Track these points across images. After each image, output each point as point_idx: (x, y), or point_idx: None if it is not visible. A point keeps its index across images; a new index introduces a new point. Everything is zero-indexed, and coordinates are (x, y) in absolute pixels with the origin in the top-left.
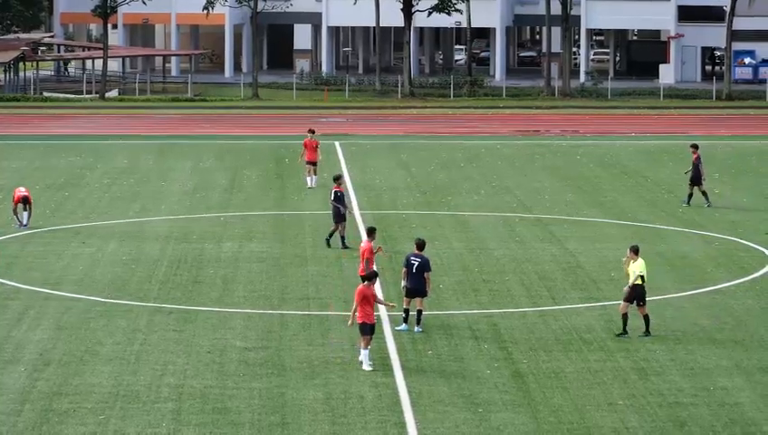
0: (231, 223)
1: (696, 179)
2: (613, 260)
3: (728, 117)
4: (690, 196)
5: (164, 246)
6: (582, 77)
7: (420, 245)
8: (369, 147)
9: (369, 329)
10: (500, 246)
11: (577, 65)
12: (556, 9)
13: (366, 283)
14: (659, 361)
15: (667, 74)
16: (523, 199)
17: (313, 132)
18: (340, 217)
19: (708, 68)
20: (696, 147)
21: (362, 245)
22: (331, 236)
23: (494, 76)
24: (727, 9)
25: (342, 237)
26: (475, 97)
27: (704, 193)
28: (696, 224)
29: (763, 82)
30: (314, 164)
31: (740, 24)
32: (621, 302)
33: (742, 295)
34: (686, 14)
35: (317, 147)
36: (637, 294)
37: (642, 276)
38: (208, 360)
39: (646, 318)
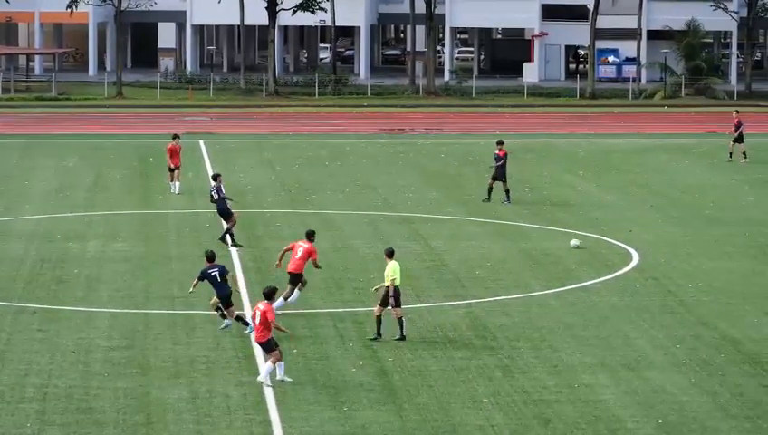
0: (95, 222)
1: (500, 176)
2: (477, 258)
3: (592, 115)
4: (490, 191)
5: (27, 246)
6: (447, 75)
7: (211, 257)
8: (233, 145)
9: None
10: (365, 245)
11: (441, 64)
12: (421, 8)
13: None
14: (524, 358)
15: (531, 73)
16: (388, 198)
17: (178, 137)
18: (229, 212)
19: (572, 66)
20: (501, 143)
21: (305, 244)
22: (227, 233)
23: (358, 75)
24: (591, 8)
25: (231, 233)
26: (339, 95)
27: (506, 191)
28: (559, 221)
29: (626, 80)
30: (177, 169)
31: (604, 22)
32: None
33: (606, 293)
34: (549, 13)
35: (179, 151)
36: (395, 296)
37: (395, 279)
38: (73, 359)
39: (400, 322)
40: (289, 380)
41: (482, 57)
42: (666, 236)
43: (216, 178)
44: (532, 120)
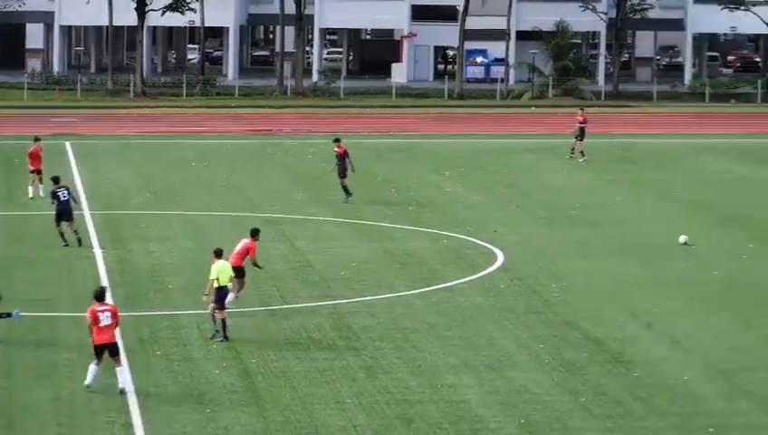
0: None
1: (341, 173)
2: (343, 259)
3: (460, 115)
4: (345, 189)
5: None
6: (315, 76)
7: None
8: (100, 147)
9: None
10: (230, 246)
11: (310, 64)
12: (290, 8)
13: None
14: (388, 359)
15: (400, 73)
16: (254, 198)
17: (39, 139)
18: (71, 213)
19: (441, 67)
20: (338, 140)
21: (247, 241)
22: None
23: (227, 75)
24: (460, 8)
25: (76, 231)
26: (207, 96)
27: (344, 188)
28: (425, 222)
29: (494, 81)
30: (39, 172)
31: (473, 23)
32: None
33: (471, 293)
34: (419, 14)
35: (41, 154)
36: (218, 296)
37: (217, 279)
38: None
39: (223, 323)
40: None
41: (350, 58)
42: (531, 236)
43: (57, 180)
44: (400, 120)
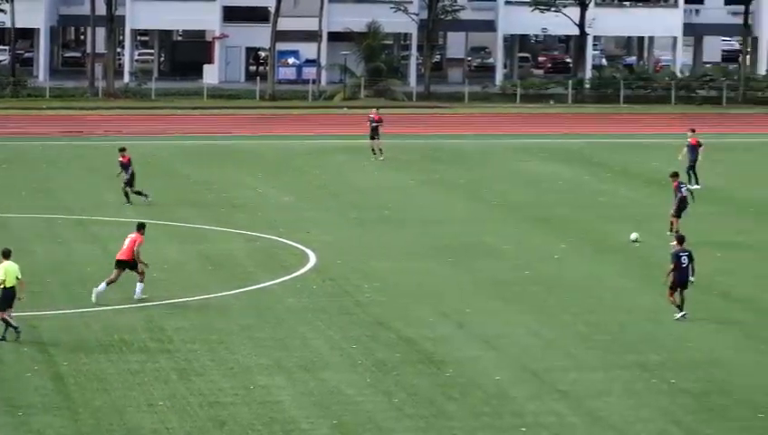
0: None
1: (128, 181)
2: (155, 260)
3: (272, 116)
4: (138, 194)
5: None
6: (127, 77)
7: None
8: None
9: None
10: (41, 248)
11: (122, 66)
12: (101, 9)
13: None
14: (200, 361)
15: (212, 75)
16: (66, 200)
17: None
18: None
19: (253, 68)
20: (123, 149)
21: (133, 235)
22: None
23: (38, 77)
24: (272, 9)
25: None
26: (18, 98)
27: (132, 193)
28: (237, 223)
29: (306, 82)
30: None
31: (284, 24)
32: None
33: (283, 294)
34: (230, 15)
35: None
36: (2, 297)
37: (4, 281)
38: None
39: (4, 321)
40: None
41: (162, 59)
42: (343, 237)
43: None
44: (211, 121)
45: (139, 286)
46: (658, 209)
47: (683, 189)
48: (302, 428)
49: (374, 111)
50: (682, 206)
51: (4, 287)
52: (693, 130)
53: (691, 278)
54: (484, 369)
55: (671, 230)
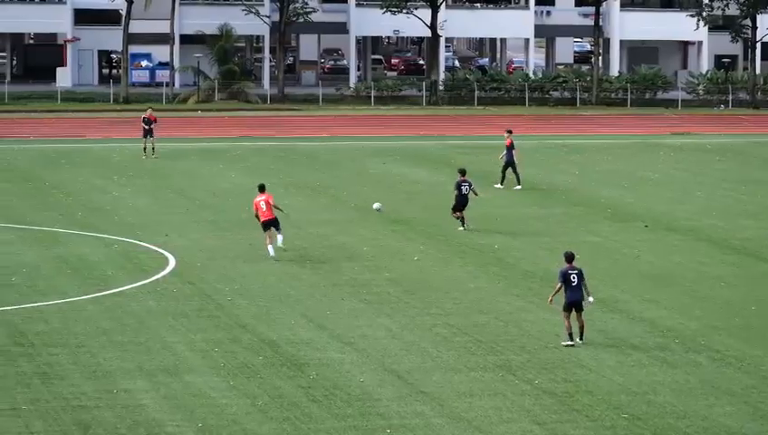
0: None
1: None
2: (12, 264)
3: (126, 120)
4: None
5: None
6: None
7: None
8: None
9: None
10: None
11: None
12: None
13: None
14: (62, 364)
15: (65, 78)
16: None
17: None
18: None
19: (106, 71)
20: None
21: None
22: None
23: None
24: (123, 12)
25: None
26: None
27: None
28: (95, 227)
29: (160, 84)
30: None
31: (136, 27)
32: None
33: (143, 297)
34: (82, 18)
35: None
36: None
37: None
38: None
39: None
40: None
41: (14, 62)
42: (202, 240)
43: None
44: (65, 125)
45: (279, 237)
46: (518, 210)
47: (463, 187)
48: (168, 431)
49: (149, 110)
50: (462, 202)
51: None
52: (509, 132)
53: (589, 299)
54: (348, 371)
55: (463, 225)
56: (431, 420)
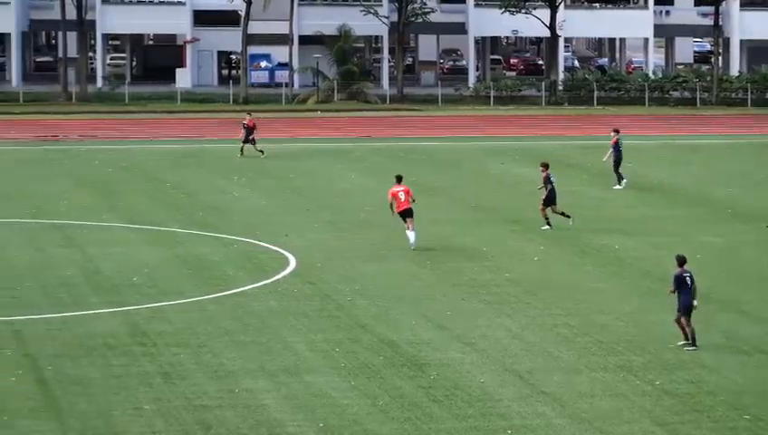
0: None
1: None
2: (134, 265)
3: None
4: None
5: None
6: (99, 82)
7: None
8: None
9: None
10: (19, 253)
11: (94, 70)
12: (72, 14)
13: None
14: (184, 364)
15: (184, 78)
16: (42, 205)
17: None
18: None
19: (225, 72)
20: None
21: (398, 188)
22: None
23: (10, 82)
24: (243, 13)
25: None
26: None
27: None
28: (214, 227)
29: (279, 85)
30: None
31: (255, 27)
32: None
33: (264, 297)
34: (201, 19)
35: None
36: None
37: None
38: None
39: None
40: None
41: (134, 63)
42: (322, 240)
43: None
44: (185, 125)
45: (412, 235)
46: (633, 211)
47: (552, 180)
48: (289, 431)
49: (248, 115)
50: (554, 196)
51: None
52: (616, 131)
53: (694, 302)
54: (468, 371)
55: (548, 224)
56: (552, 420)
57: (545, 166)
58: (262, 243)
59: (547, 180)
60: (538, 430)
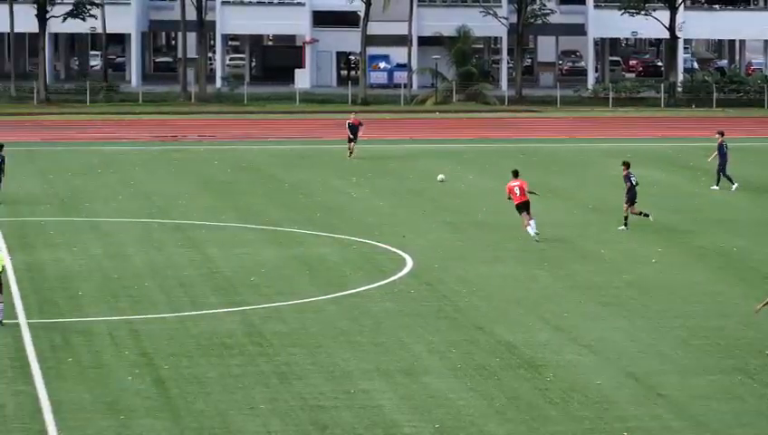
0: None
1: None
2: (252, 265)
3: (364, 121)
4: None
5: None
6: (219, 82)
7: None
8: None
9: None
10: (139, 252)
11: (213, 70)
12: (192, 14)
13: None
14: (300, 364)
15: (303, 79)
16: (161, 205)
17: None
18: None
19: (344, 73)
20: None
21: (515, 182)
22: None
23: (130, 82)
24: (362, 14)
25: None
26: (111, 103)
27: None
28: (332, 227)
29: (397, 86)
30: None
31: (374, 28)
32: None
33: (380, 298)
34: (320, 20)
35: None
36: None
37: None
38: None
39: None
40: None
41: (253, 64)
42: (439, 241)
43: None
44: (303, 126)
45: (533, 222)
46: (754, 214)
47: (632, 179)
48: (405, 432)
49: (353, 115)
50: (634, 195)
51: None
52: (721, 133)
53: None
54: (584, 373)
55: (626, 220)
56: (669, 423)
57: (626, 165)
58: (380, 244)
59: (626, 179)
60: (654, 433)
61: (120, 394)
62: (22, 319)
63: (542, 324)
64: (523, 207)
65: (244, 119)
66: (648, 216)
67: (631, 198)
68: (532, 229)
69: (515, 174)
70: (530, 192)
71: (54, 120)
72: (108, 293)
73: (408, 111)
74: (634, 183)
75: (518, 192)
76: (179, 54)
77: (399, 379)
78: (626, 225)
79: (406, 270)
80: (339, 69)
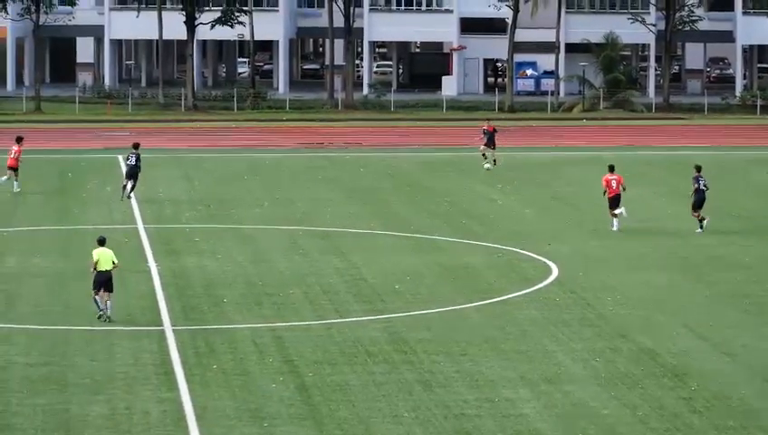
0: (14, 238)
1: None
2: (396, 272)
3: (511, 128)
4: None
5: None
6: (366, 89)
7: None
8: (152, 160)
9: None
10: (283, 259)
11: (360, 78)
12: (339, 21)
13: None
14: (444, 373)
15: (450, 86)
16: (307, 212)
17: (20, 139)
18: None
19: (491, 80)
20: None
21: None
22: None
23: (277, 89)
24: (509, 21)
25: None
26: (258, 109)
27: None
28: (477, 235)
29: (545, 93)
30: (15, 170)
31: (522, 35)
32: None
33: (526, 306)
34: (468, 27)
35: (19, 155)
36: (96, 280)
37: (98, 262)
38: None
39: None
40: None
41: (400, 71)
42: (584, 249)
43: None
44: (450, 133)
45: (622, 209)
46: None
47: (700, 183)
48: None
49: (486, 121)
50: (701, 199)
51: (98, 271)
52: None
53: None
54: (729, 382)
55: (701, 227)
56: None
57: (697, 169)
58: (525, 251)
59: (694, 181)
60: None
61: (263, 401)
62: (167, 325)
63: (687, 332)
64: (615, 199)
65: (391, 126)
66: (702, 221)
67: (696, 201)
68: (615, 225)
69: (611, 169)
70: (622, 187)
71: (202, 126)
72: (252, 299)
73: (554, 119)
74: (702, 187)
75: (614, 185)
76: (326, 61)
77: (543, 387)
78: (701, 227)
79: (551, 278)
80: (486, 76)
